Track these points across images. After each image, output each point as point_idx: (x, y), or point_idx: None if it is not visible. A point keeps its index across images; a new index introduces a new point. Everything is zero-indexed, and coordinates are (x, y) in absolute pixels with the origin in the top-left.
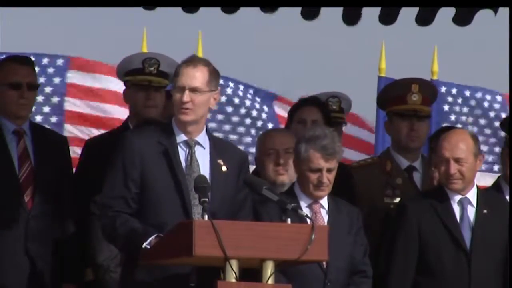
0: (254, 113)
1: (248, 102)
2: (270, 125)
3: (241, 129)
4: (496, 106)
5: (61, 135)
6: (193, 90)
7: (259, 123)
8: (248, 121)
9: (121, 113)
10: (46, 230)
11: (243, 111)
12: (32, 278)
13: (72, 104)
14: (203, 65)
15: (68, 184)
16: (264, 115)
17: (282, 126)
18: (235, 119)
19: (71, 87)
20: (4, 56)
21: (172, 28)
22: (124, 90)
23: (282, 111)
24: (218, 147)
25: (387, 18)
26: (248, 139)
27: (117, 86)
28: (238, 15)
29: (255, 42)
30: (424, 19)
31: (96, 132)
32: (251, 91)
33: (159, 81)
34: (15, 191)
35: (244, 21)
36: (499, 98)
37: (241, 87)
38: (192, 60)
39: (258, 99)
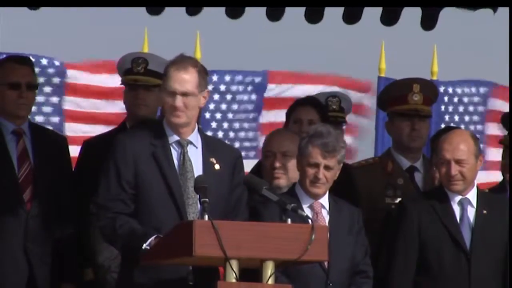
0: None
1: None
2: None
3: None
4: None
5: (60, 135)
6: (185, 94)
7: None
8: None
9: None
10: (45, 230)
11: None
12: (31, 278)
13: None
14: (192, 67)
15: (68, 184)
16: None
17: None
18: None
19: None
20: (4, 56)
21: (173, 29)
22: (123, 90)
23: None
24: (211, 146)
25: (389, 19)
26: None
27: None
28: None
29: (255, 41)
30: (428, 24)
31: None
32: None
33: (147, 80)
34: (14, 191)
35: (246, 22)
36: (482, 90)
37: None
38: (182, 62)
39: (248, 88)
